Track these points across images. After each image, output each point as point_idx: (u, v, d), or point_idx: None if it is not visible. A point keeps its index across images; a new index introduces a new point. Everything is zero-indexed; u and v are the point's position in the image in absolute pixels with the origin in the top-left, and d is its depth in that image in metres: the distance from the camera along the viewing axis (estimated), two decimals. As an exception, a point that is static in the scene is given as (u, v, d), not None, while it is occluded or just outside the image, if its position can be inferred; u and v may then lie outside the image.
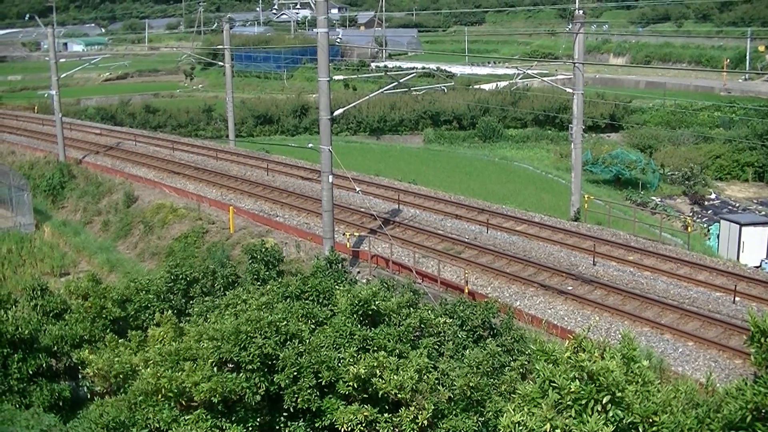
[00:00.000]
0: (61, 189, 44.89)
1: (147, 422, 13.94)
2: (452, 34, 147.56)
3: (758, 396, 8.94)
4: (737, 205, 46.57)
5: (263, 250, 25.45)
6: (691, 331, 21.18)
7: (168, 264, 23.57)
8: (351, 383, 13.90)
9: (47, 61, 51.79)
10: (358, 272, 26.78)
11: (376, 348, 14.76)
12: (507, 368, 15.80)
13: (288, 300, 17.65)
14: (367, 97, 40.14)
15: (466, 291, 24.22)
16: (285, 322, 14.81)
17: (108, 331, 18.81)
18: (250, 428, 13.88)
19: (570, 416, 8.85)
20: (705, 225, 41.09)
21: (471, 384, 14.23)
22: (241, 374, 13.86)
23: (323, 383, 14.06)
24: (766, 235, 32.91)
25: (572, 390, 8.85)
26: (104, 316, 19.17)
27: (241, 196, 37.15)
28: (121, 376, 16.14)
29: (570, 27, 58.83)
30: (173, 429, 13.68)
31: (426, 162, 53.79)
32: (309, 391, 13.87)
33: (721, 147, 53.69)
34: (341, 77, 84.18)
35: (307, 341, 14.67)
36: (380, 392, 13.80)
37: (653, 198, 46.53)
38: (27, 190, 40.28)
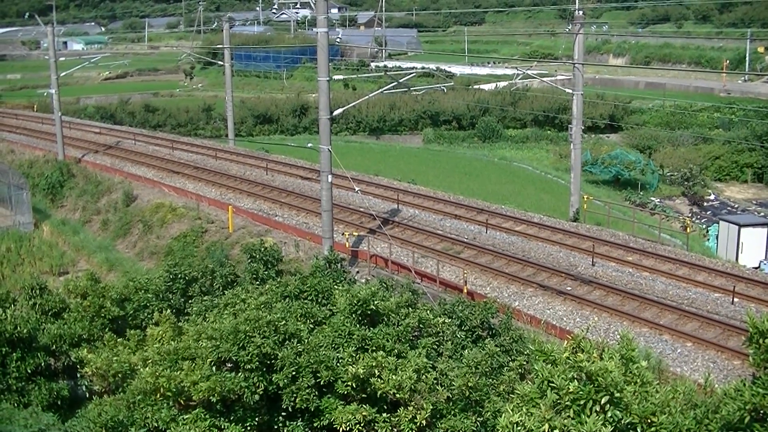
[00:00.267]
0: (60, 188, 44.87)
1: (145, 421, 13.93)
2: (452, 34, 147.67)
3: (756, 397, 8.94)
4: (736, 206, 46.60)
5: (262, 249, 25.45)
6: (690, 331, 21.18)
7: (167, 263, 23.56)
8: (349, 383, 13.89)
9: (47, 60, 51.78)
10: (357, 272, 26.79)
11: (374, 348, 14.76)
12: (506, 368, 15.81)
13: (287, 299, 17.64)
14: (367, 96, 40.17)
15: (465, 291, 24.22)
16: (284, 322, 14.80)
17: (107, 330, 18.79)
18: (249, 428, 13.87)
19: (568, 416, 8.85)
20: (704, 226, 41.11)
21: (470, 384, 14.23)
22: (239, 374, 13.85)
23: (322, 383, 14.05)
24: (764, 236, 32.92)
25: (571, 390, 8.84)
26: (103, 315, 19.15)
27: (241, 195, 37.13)
28: (119, 375, 16.13)
29: (570, 27, 58.81)
30: (172, 428, 13.66)
31: (425, 162, 53.79)
32: (307, 390, 13.87)
33: (721, 148, 53.72)
34: (341, 77, 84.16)
35: (306, 341, 14.66)
36: (379, 392, 13.80)
37: (652, 199, 46.56)
38: (26, 189, 40.26)
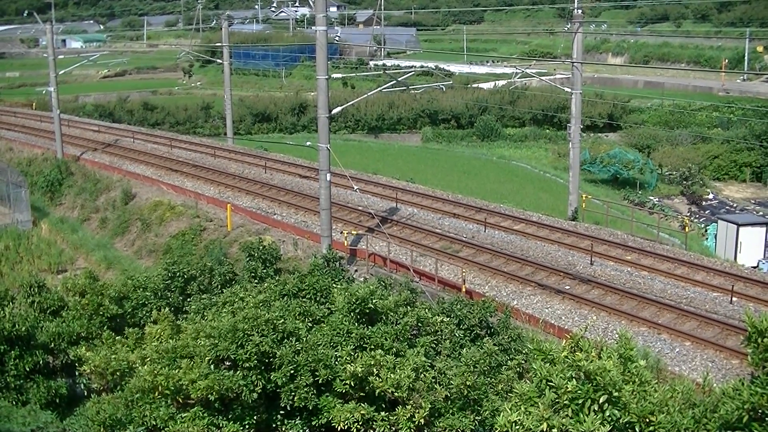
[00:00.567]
0: (59, 186, 44.86)
1: (143, 420, 13.91)
2: (451, 32, 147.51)
3: (755, 396, 8.94)
4: (735, 205, 46.63)
5: (261, 248, 25.44)
6: (688, 331, 21.19)
7: (165, 261, 23.52)
8: (348, 381, 13.88)
9: (46, 58, 51.72)
10: (356, 270, 26.79)
11: (373, 346, 14.75)
12: (504, 367, 15.79)
13: (285, 298, 17.61)
14: (366, 95, 40.16)
15: (464, 290, 24.22)
16: (282, 320, 14.79)
17: (105, 328, 18.76)
18: (247, 426, 13.86)
19: (567, 416, 8.85)
20: (702, 225, 41.14)
21: (468, 383, 14.22)
22: (238, 372, 13.84)
23: (320, 381, 14.04)
24: (763, 235, 32.97)
25: (569, 389, 8.84)
26: (101, 313, 19.13)
27: (239, 193, 37.11)
28: (117, 373, 16.09)
29: (569, 26, 58.87)
30: (170, 426, 13.65)
31: (424, 161, 53.79)
32: (306, 389, 13.86)
33: (719, 147, 53.75)
34: (340, 75, 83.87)
35: (304, 339, 14.65)
36: (377, 391, 13.79)
37: (651, 198, 46.59)
38: (25, 187, 40.24)
